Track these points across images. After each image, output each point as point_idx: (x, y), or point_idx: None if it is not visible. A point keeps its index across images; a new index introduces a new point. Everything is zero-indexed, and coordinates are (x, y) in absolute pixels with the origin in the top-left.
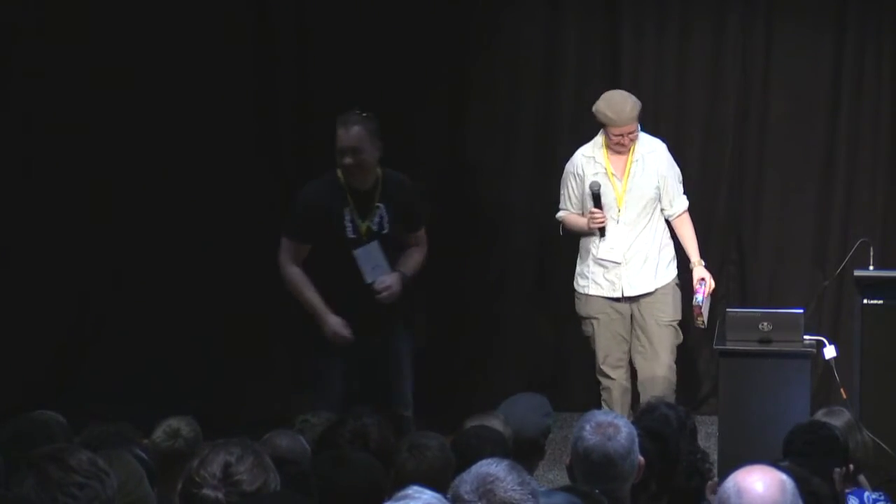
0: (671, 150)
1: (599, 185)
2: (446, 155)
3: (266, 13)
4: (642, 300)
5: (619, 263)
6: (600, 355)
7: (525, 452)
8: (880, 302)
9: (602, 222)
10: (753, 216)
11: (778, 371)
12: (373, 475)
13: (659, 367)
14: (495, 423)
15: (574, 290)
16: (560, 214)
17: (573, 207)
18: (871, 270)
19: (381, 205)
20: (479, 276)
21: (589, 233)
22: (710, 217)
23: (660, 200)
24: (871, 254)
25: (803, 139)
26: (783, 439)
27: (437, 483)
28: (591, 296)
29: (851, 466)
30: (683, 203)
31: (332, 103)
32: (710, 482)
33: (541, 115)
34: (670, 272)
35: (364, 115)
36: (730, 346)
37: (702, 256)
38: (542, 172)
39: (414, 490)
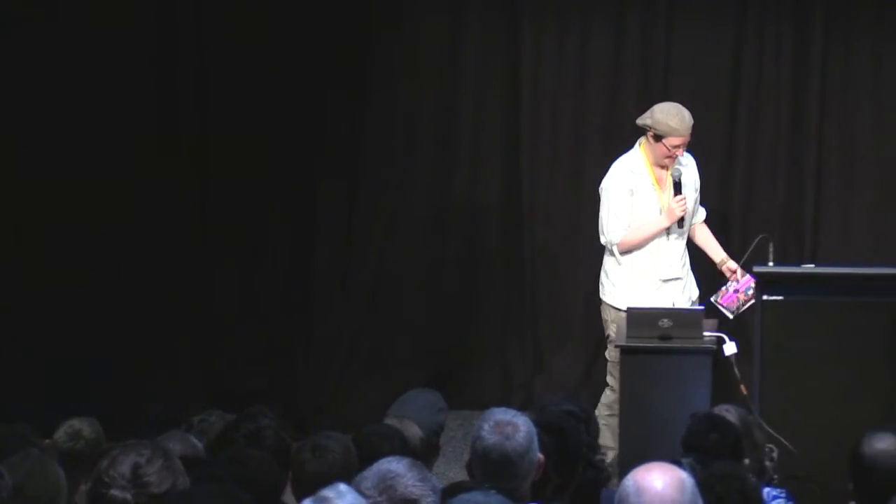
0: (575, 148)
1: (681, 172)
2: (346, 151)
3: (164, 17)
4: None
5: (679, 279)
6: None
7: (420, 451)
8: (780, 298)
9: (686, 209)
10: None
11: (678, 368)
12: (268, 473)
13: None
14: (406, 425)
15: (611, 310)
16: (615, 238)
17: (626, 223)
18: (771, 267)
19: None
20: (376, 273)
21: (656, 236)
22: None
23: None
24: (771, 250)
25: (703, 137)
26: (683, 435)
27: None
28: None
29: (747, 461)
30: (703, 213)
31: (232, 108)
32: None
33: (441, 113)
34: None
35: None
36: (630, 344)
37: (602, 252)
38: (441, 168)
39: (337, 493)
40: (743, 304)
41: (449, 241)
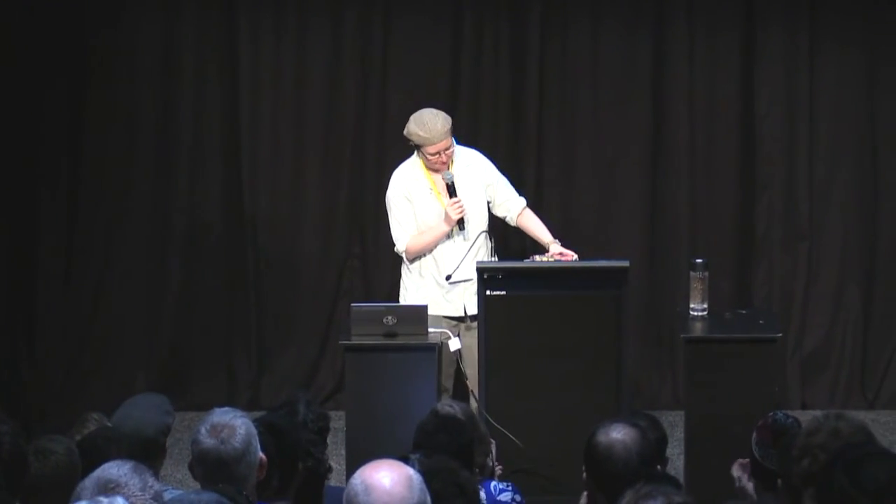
0: (290, 146)
1: (453, 175)
2: (66, 152)
3: None
4: (470, 319)
5: (470, 280)
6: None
7: (147, 453)
8: (503, 293)
9: (463, 212)
10: (375, 211)
11: (404, 364)
12: None
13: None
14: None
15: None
16: (401, 246)
17: (411, 230)
18: (493, 262)
19: None
20: (99, 274)
21: (440, 240)
22: (331, 213)
23: (493, 209)
24: (493, 245)
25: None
26: (415, 431)
27: (64, 487)
28: (431, 315)
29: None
30: (521, 201)
31: None
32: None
33: (160, 114)
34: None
35: None
36: (355, 342)
37: (325, 251)
38: (163, 169)
39: (109, 501)
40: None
41: (172, 241)
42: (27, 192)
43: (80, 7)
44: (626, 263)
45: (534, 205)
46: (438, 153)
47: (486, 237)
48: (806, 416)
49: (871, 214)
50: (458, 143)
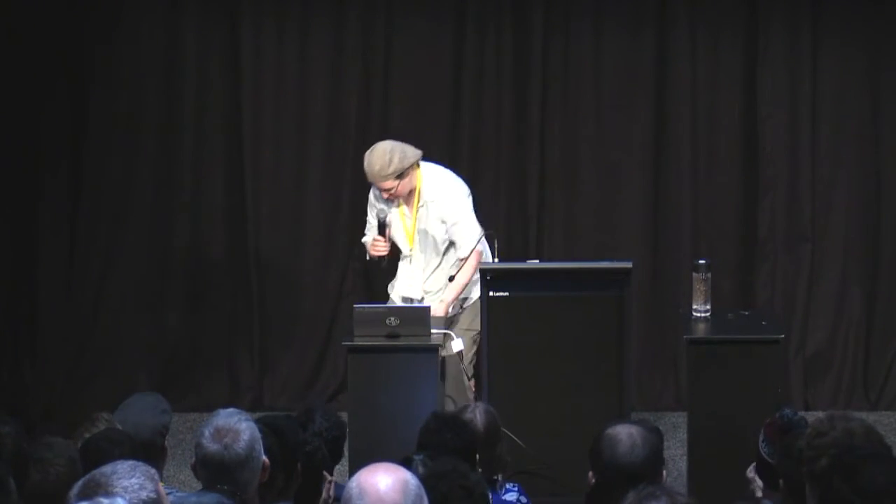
0: (293, 148)
1: (387, 214)
2: (68, 154)
3: None
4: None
5: (414, 300)
6: None
7: (146, 456)
8: (506, 294)
9: (381, 251)
10: None
11: (406, 365)
12: None
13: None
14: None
15: None
16: (364, 239)
17: (370, 230)
18: (496, 263)
19: None
20: (101, 275)
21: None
22: (334, 215)
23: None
24: (496, 247)
25: (425, 135)
26: (419, 431)
27: (63, 496)
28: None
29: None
30: (462, 253)
31: None
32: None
33: (162, 113)
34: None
35: None
36: (358, 343)
37: (327, 252)
38: (164, 171)
39: (110, 501)
40: None
41: (174, 243)
42: (29, 193)
43: (82, 7)
44: (628, 264)
45: (537, 205)
46: (381, 190)
47: (484, 241)
48: (810, 417)
49: (873, 216)
50: (441, 165)
